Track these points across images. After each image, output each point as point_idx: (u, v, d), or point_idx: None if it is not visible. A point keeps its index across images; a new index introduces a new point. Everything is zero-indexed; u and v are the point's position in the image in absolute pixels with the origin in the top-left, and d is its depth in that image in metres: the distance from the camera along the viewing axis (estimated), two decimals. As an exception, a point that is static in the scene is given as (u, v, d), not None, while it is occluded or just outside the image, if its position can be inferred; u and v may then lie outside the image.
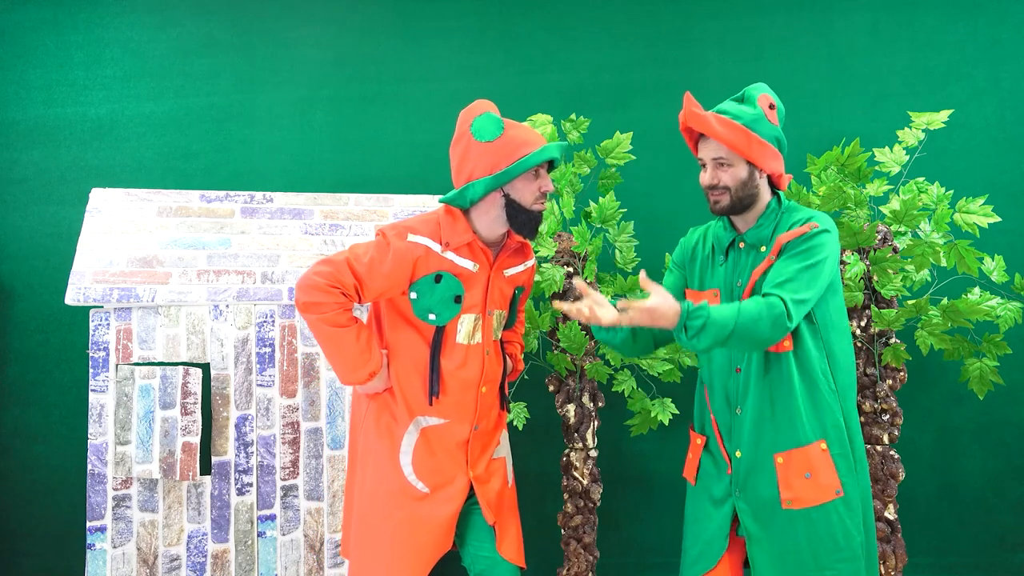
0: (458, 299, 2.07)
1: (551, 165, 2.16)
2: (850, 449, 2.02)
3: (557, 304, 1.93)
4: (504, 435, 2.28)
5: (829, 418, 2.00)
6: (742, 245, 2.08)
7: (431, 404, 2.08)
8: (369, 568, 2.08)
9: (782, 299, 1.87)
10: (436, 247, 2.06)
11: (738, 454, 2.05)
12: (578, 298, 2.65)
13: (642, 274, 1.86)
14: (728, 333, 1.83)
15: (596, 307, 1.87)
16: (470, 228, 2.09)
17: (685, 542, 2.18)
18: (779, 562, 1.99)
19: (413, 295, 2.06)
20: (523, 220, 2.07)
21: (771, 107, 2.03)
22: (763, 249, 2.03)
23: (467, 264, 2.08)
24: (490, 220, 2.10)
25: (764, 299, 1.87)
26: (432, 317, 2.07)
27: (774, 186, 2.10)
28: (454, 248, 2.07)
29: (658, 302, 1.80)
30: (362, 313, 2.74)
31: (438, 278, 2.06)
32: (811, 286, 1.92)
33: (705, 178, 2.04)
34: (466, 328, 2.10)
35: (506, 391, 2.29)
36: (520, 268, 2.24)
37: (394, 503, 2.08)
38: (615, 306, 1.87)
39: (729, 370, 2.07)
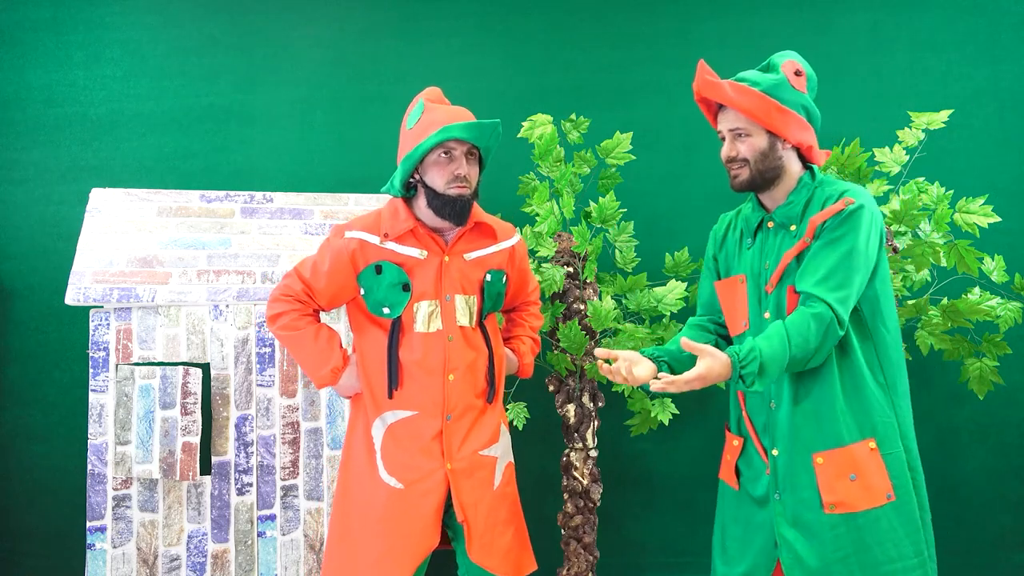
0: (406, 287, 2.07)
1: (481, 150, 2.08)
2: (902, 449, 1.84)
3: (599, 352, 1.82)
4: (504, 435, 2.21)
5: (879, 415, 1.82)
6: (771, 225, 1.93)
7: (390, 396, 2.07)
8: (351, 570, 2.04)
9: (827, 304, 1.73)
10: (373, 239, 2.08)
11: (775, 452, 1.88)
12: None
13: (683, 341, 1.72)
14: (785, 364, 1.71)
15: (632, 366, 1.81)
16: (412, 216, 2.10)
17: (726, 550, 2.00)
18: (823, 574, 1.80)
19: (362, 291, 2.09)
20: (438, 205, 2.04)
21: (797, 74, 1.86)
22: (793, 228, 1.88)
23: (412, 252, 2.08)
24: (425, 207, 2.10)
25: (808, 310, 1.74)
26: (386, 311, 2.07)
27: (807, 161, 1.93)
28: (395, 237, 2.08)
29: (707, 364, 1.68)
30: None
31: (378, 268, 2.07)
32: (853, 276, 1.76)
33: (723, 151, 1.90)
34: (422, 315, 2.09)
35: (496, 383, 2.18)
36: (489, 250, 2.18)
37: (372, 502, 2.06)
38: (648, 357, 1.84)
39: None
